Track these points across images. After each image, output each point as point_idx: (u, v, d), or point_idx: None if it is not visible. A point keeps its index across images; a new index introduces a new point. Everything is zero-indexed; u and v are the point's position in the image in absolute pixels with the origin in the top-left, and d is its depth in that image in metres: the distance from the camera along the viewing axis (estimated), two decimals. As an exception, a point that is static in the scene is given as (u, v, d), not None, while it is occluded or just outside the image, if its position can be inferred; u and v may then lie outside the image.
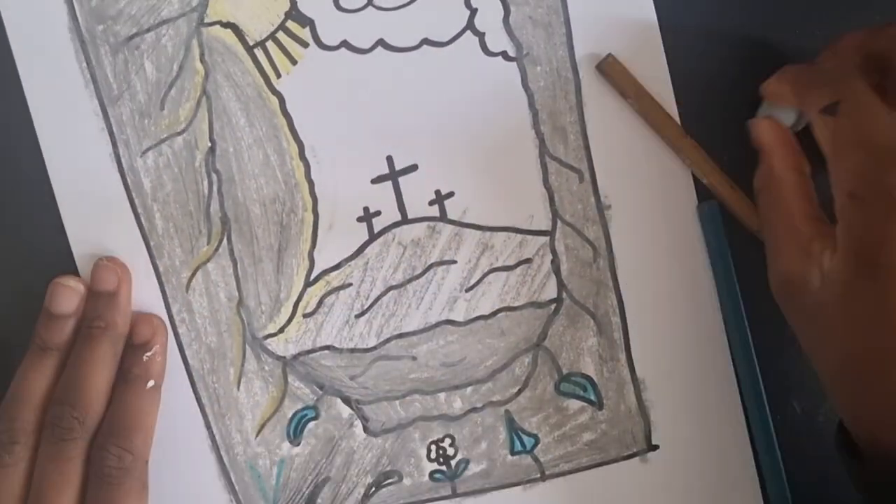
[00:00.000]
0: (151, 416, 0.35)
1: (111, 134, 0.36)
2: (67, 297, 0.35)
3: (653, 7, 0.35)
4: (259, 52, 0.36)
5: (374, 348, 0.37)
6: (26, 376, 0.34)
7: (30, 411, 0.34)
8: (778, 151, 0.33)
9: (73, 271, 0.36)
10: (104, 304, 0.35)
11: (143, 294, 0.36)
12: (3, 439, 0.33)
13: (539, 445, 0.38)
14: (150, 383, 0.35)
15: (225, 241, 0.36)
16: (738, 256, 0.36)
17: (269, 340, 0.37)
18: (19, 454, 0.33)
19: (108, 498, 0.33)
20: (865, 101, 0.30)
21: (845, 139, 0.30)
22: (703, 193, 0.36)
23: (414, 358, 0.37)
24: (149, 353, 0.35)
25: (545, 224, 0.37)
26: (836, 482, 0.38)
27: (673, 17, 0.36)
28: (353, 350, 0.37)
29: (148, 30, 0.35)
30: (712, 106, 0.36)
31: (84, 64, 0.35)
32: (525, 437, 0.38)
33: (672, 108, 0.36)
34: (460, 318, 0.37)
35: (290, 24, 0.36)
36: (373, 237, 0.36)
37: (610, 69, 0.35)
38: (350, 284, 0.37)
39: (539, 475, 0.38)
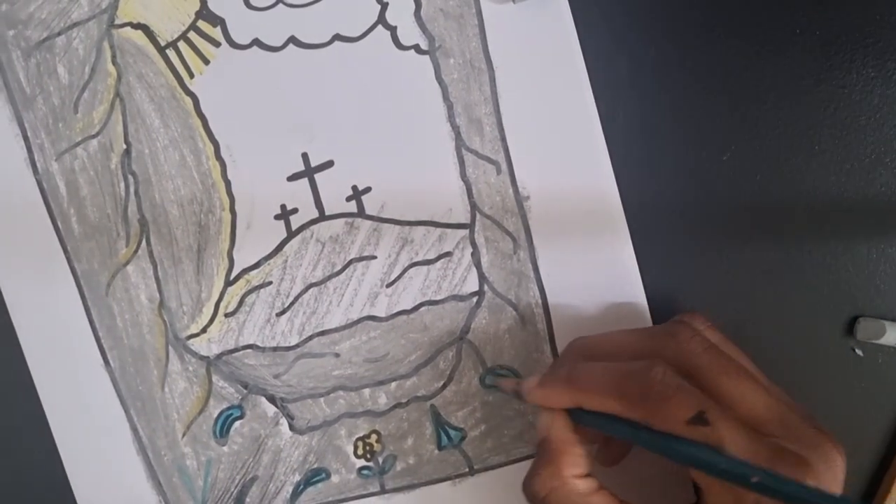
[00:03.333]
0: None
1: (25, 139, 0.36)
2: None
3: (570, 15, 0.35)
4: (171, 53, 0.36)
5: (297, 346, 0.37)
6: None
7: None
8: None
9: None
10: None
11: (62, 299, 0.36)
12: None
13: (466, 439, 0.38)
14: None
15: (144, 242, 0.36)
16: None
17: (191, 341, 0.37)
18: None
19: None
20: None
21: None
22: (623, 184, 0.36)
23: (337, 355, 0.37)
24: None
25: (464, 217, 0.36)
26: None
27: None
28: (275, 348, 0.37)
29: (59, 33, 0.35)
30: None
31: (-4, 69, 0.36)
32: (451, 432, 0.37)
33: (590, 103, 0.36)
34: (382, 314, 0.37)
35: (201, 24, 0.35)
36: (291, 235, 0.36)
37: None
38: (270, 283, 0.37)
39: (468, 469, 0.38)
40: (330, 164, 0.36)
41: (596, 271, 0.37)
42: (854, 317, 0.38)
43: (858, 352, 0.38)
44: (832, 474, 0.28)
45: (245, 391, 0.37)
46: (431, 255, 0.37)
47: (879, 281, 0.38)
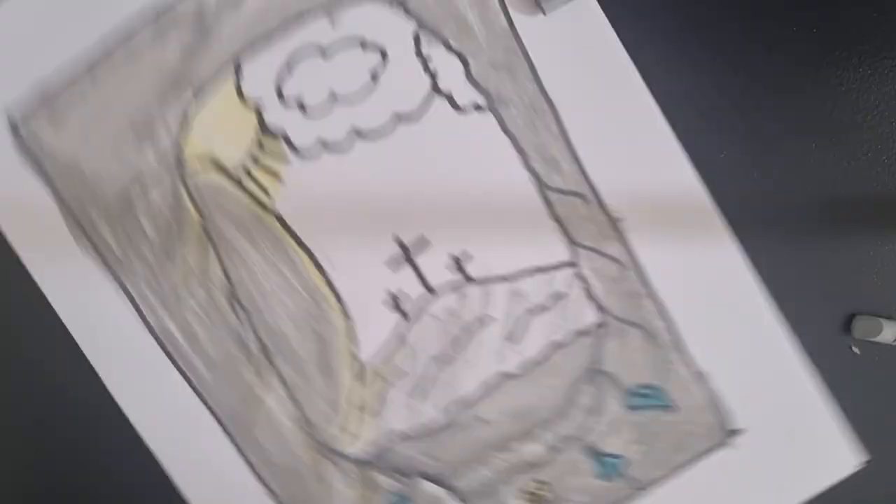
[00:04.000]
0: None
1: (132, 300, 0.36)
2: None
3: (608, 24, 0.35)
4: (245, 179, 0.36)
5: (443, 423, 0.37)
6: None
7: None
8: None
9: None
10: None
11: (212, 445, 0.37)
12: None
13: (627, 464, 0.38)
14: None
15: (270, 366, 0.37)
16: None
17: (341, 447, 0.37)
18: None
19: None
20: None
21: None
22: (707, 180, 0.36)
23: (483, 420, 0.37)
24: None
25: (566, 255, 0.37)
26: None
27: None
28: (423, 431, 0.37)
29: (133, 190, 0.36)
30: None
31: (88, 245, 0.36)
32: (611, 460, 0.38)
33: (654, 109, 0.36)
34: (514, 369, 0.37)
35: (264, 140, 0.36)
36: (408, 320, 0.37)
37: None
38: (402, 371, 0.37)
39: (637, 489, 0.38)
40: (424, 241, 0.36)
41: (706, 271, 0.37)
42: (851, 314, 0.38)
43: (855, 350, 0.38)
44: None
45: (406, 479, 0.38)
46: (546, 300, 0.37)
47: (877, 278, 0.37)
